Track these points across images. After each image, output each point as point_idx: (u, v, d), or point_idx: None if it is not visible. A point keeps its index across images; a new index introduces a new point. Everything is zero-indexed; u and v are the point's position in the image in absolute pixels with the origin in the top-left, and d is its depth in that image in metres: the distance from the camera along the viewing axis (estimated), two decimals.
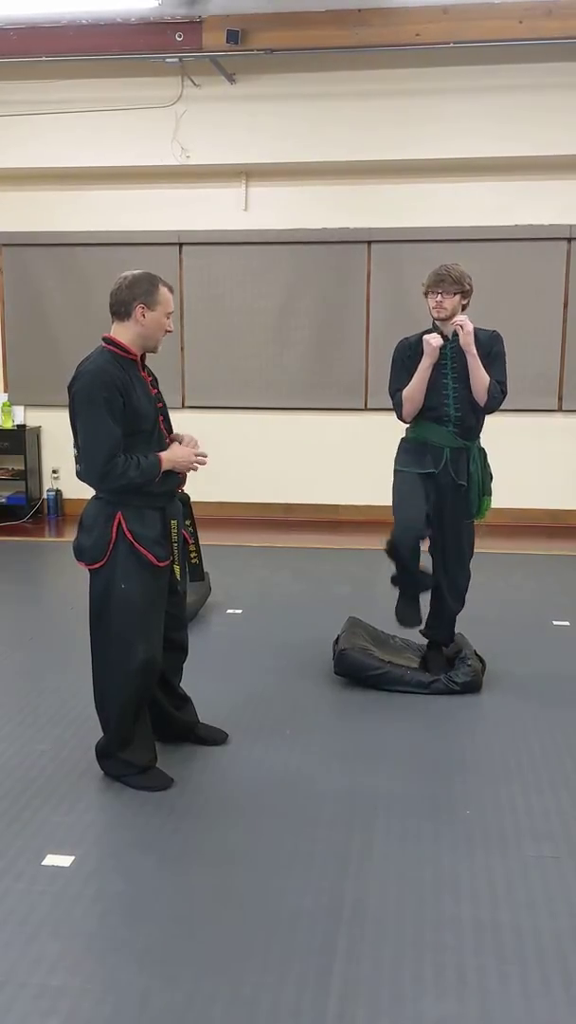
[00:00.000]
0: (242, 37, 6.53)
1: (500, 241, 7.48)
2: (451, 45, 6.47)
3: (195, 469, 3.29)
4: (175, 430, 3.41)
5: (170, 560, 3.23)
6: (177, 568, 3.26)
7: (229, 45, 6.53)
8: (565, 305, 7.52)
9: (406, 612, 4.26)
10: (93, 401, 3.05)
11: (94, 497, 3.23)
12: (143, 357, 3.26)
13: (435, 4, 6.27)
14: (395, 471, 4.19)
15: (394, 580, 4.26)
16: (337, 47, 6.57)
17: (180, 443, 3.32)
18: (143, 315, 3.13)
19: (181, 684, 3.60)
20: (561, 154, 7.04)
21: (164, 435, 3.29)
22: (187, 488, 3.40)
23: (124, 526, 3.12)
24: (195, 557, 3.41)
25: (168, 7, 6.26)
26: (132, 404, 3.11)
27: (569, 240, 7.44)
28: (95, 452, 3.07)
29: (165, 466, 3.17)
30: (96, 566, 3.18)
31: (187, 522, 3.35)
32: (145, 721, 3.36)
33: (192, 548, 3.40)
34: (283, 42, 6.59)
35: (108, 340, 3.19)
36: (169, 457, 3.20)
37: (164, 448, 3.25)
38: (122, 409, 3.08)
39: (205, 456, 3.32)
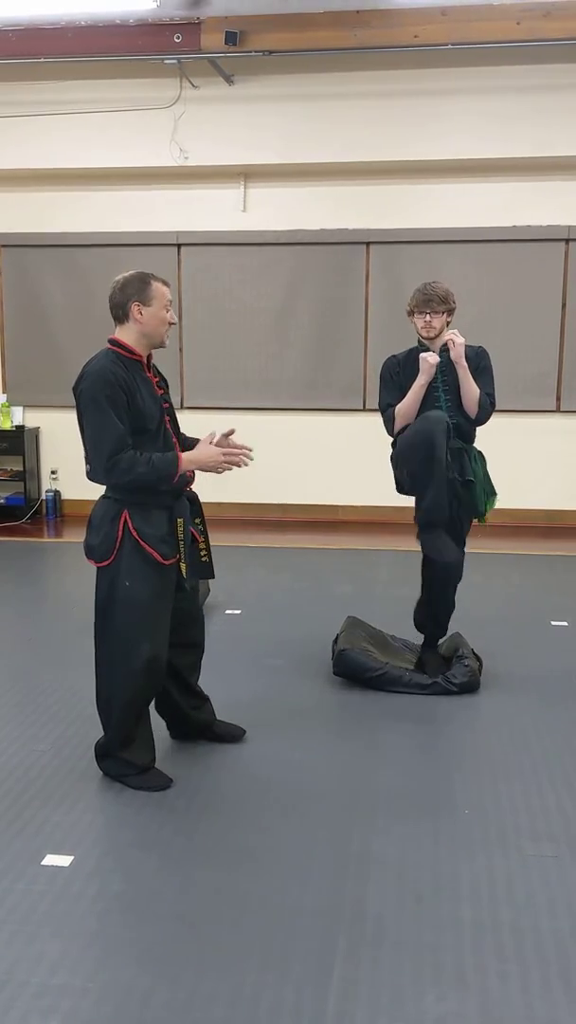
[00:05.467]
0: (241, 38, 6.54)
1: (498, 242, 7.49)
2: (449, 46, 6.48)
3: (222, 471, 3.25)
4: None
5: (176, 558, 3.23)
6: (183, 566, 3.26)
7: (228, 46, 6.54)
8: (563, 306, 7.53)
9: (437, 543, 3.98)
10: (96, 399, 3.07)
11: (102, 496, 3.24)
12: (150, 358, 3.27)
13: (433, 5, 6.28)
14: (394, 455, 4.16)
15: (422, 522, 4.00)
16: (335, 48, 6.58)
17: (212, 442, 3.27)
18: (140, 313, 3.14)
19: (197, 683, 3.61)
20: (559, 155, 7.05)
21: (171, 435, 3.28)
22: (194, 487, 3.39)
23: (130, 524, 3.13)
24: (205, 555, 3.42)
25: (167, 8, 6.27)
26: (136, 404, 3.11)
27: (567, 241, 7.45)
28: (100, 447, 3.07)
29: (186, 466, 3.15)
30: (103, 564, 3.19)
31: (196, 520, 3.35)
32: (147, 721, 3.36)
33: (202, 546, 3.40)
34: (282, 43, 6.60)
35: (113, 341, 3.21)
36: (193, 457, 3.18)
37: (170, 448, 3.24)
38: (126, 407, 3.08)
39: (241, 454, 3.27)
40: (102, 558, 3.17)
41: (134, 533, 3.13)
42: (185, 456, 3.17)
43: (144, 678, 3.22)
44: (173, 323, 3.22)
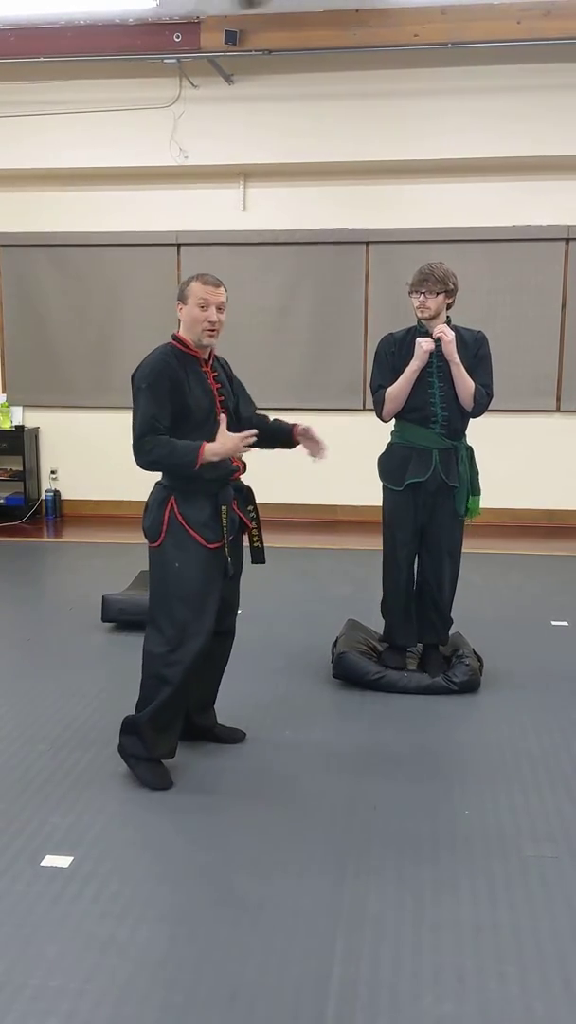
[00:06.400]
0: (240, 38, 6.53)
1: (498, 242, 7.49)
2: (449, 46, 6.48)
3: (241, 454, 3.32)
4: None
5: (220, 543, 3.29)
6: (227, 550, 3.32)
7: (227, 45, 6.54)
8: (563, 305, 7.52)
9: (392, 657, 4.32)
10: (140, 386, 3.23)
11: (156, 483, 3.38)
12: (211, 355, 3.39)
13: (433, 5, 6.28)
14: (383, 485, 4.23)
15: (384, 637, 4.39)
16: (335, 47, 6.58)
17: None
18: (180, 310, 3.34)
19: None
20: (559, 155, 7.04)
21: (219, 426, 3.31)
22: None
23: (175, 509, 3.27)
24: (257, 541, 3.49)
25: (166, 7, 6.27)
26: (182, 395, 3.22)
27: (567, 240, 7.45)
28: (134, 428, 3.23)
29: (207, 455, 3.18)
30: (154, 546, 3.32)
31: (249, 507, 3.45)
32: (183, 714, 3.42)
33: (254, 532, 3.48)
34: (281, 43, 6.59)
35: (174, 336, 3.36)
36: (215, 448, 3.20)
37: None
38: (169, 394, 3.19)
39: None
40: (152, 539, 3.32)
41: (179, 518, 3.26)
42: (207, 446, 3.21)
43: (190, 660, 3.27)
44: (210, 320, 3.27)
